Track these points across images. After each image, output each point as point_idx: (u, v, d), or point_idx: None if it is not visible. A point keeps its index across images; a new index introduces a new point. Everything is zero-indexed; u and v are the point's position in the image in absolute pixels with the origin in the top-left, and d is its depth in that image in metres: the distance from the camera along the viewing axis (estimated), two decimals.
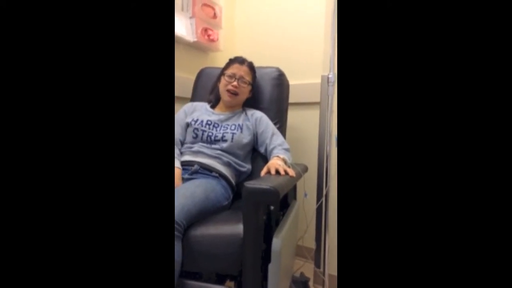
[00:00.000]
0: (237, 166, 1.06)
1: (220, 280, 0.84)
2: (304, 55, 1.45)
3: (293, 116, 1.37)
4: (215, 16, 1.46)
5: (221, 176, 1.01)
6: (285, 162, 0.95)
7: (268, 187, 0.67)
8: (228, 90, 1.10)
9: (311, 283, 1.23)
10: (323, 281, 1.18)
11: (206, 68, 1.36)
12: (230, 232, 0.77)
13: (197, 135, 1.07)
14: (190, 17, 1.38)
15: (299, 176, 0.95)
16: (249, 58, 1.17)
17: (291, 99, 1.31)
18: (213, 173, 1.00)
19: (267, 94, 1.22)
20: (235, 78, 1.10)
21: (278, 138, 1.09)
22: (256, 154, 1.14)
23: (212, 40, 1.45)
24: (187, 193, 0.83)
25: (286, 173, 0.85)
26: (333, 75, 1.15)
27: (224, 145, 1.04)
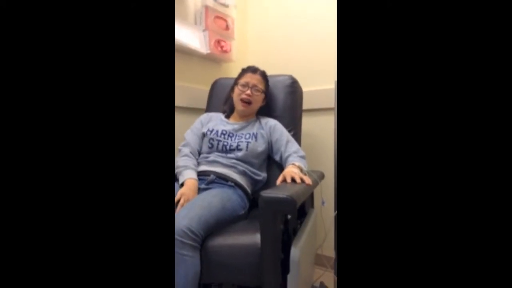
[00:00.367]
0: (252, 175, 1.06)
1: None
2: (317, 61, 1.44)
3: (307, 123, 1.36)
4: (227, 27, 1.49)
5: (237, 185, 1.01)
6: (301, 170, 0.94)
7: (284, 196, 0.66)
8: (241, 99, 1.11)
9: None
10: None
11: (220, 79, 1.38)
12: (248, 242, 0.76)
13: (212, 145, 1.08)
14: (203, 30, 1.41)
15: (315, 183, 0.94)
16: (262, 67, 1.18)
17: (305, 106, 1.31)
18: (229, 183, 1.00)
19: (281, 102, 1.22)
20: (248, 87, 1.11)
21: (293, 145, 1.09)
22: (272, 162, 1.14)
23: (225, 51, 1.48)
24: (204, 204, 0.84)
25: (302, 181, 0.84)
26: None
27: (239, 154, 1.05)
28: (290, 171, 0.89)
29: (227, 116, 1.19)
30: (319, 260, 1.28)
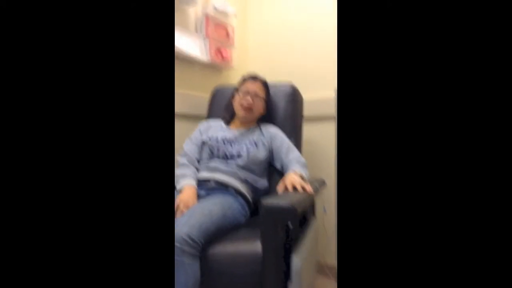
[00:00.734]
0: (253, 183, 1.06)
1: None
2: (317, 69, 1.45)
3: (308, 130, 1.36)
4: (227, 35, 1.50)
5: (238, 193, 1.00)
6: (302, 177, 0.94)
7: (286, 204, 0.66)
8: (242, 106, 1.11)
9: None
10: None
11: (220, 86, 1.39)
12: (249, 250, 0.76)
13: (213, 152, 1.07)
14: (204, 38, 1.42)
15: (317, 191, 0.94)
16: (262, 75, 1.19)
17: (306, 113, 1.31)
18: (230, 190, 1.00)
19: (281, 110, 1.22)
20: (249, 94, 1.11)
21: (294, 153, 1.09)
22: (272, 169, 1.13)
23: (226, 59, 1.49)
24: (204, 211, 0.83)
25: (304, 189, 0.84)
26: None
27: (240, 161, 1.05)
28: (291, 178, 0.89)
29: (228, 123, 1.19)
30: (321, 269, 1.26)
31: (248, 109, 1.11)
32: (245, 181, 1.04)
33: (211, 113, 1.32)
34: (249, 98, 1.11)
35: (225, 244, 0.80)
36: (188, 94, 1.39)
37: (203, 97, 1.40)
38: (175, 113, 1.28)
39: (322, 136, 1.41)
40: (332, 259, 1.24)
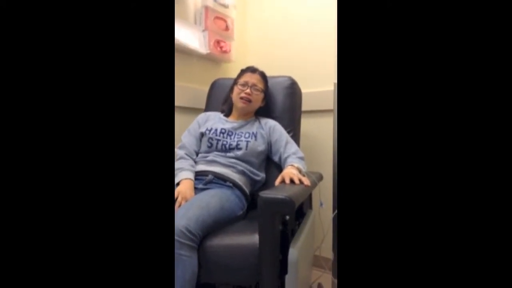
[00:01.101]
0: (251, 175, 1.06)
1: None
2: (316, 63, 1.45)
3: (306, 124, 1.36)
4: (227, 28, 1.49)
5: (236, 186, 1.01)
6: (300, 171, 0.94)
7: (283, 197, 0.66)
8: (241, 98, 1.11)
9: None
10: None
11: (219, 79, 1.38)
12: (246, 243, 0.76)
13: (211, 144, 1.08)
14: (203, 30, 1.41)
15: (314, 185, 0.94)
16: (261, 68, 1.18)
17: (304, 107, 1.31)
18: (228, 183, 1.00)
19: (280, 103, 1.22)
20: (248, 86, 1.11)
21: (292, 146, 1.09)
22: (270, 163, 1.14)
23: (225, 52, 1.48)
24: (202, 204, 0.84)
25: (301, 182, 0.84)
26: None
27: (239, 153, 1.05)
28: (289, 172, 0.89)
29: (226, 115, 1.19)
30: (317, 262, 1.27)
31: (247, 100, 1.11)
32: (243, 173, 1.04)
33: (210, 106, 1.32)
34: (247, 90, 1.11)
35: (223, 236, 0.80)
36: (187, 87, 1.38)
37: (202, 89, 1.39)
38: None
39: (320, 130, 1.41)
40: (328, 252, 1.25)
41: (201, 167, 1.05)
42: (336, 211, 1.18)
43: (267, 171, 1.12)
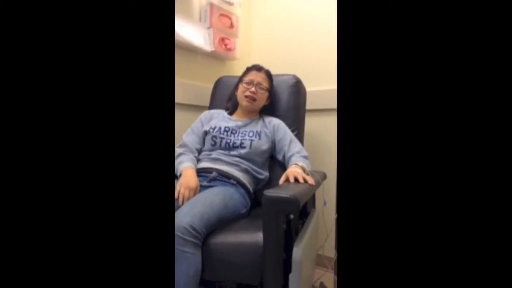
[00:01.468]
0: (255, 173, 1.06)
1: None
2: (321, 62, 1.44)
3: (310, 123, 1.36)
4: (232, 25, 1.48)
5: (239, 183, 1.01)
6: (304, 170, 0.94)
7: (288, 196, 0.66)
8: (246, 96, 1.10)
9: None
10: None
11: (223, 77, 1.37)
12: (250, 241, 0.76)
13: (215, 142, 1.07)
14: (208, 28, 1.41)
15: (318, 184, 0.94)
16: (265, 65, 1.18)
17: (309, 106, 1.30)
18: (231, 181, 1.00)
19: (284, 101, 1.22)
20: (253, 85, 1.11)
21: (296, 145, 1.09)
22: (274, 161, 1.13)
23: (229, 49, 1.47)
24: (206, 202, 0.84)
25: (305, 181, 0.84)
26: None
27: (243, 151, 1.05)
28: (293, 171, 0.89)
29: (230, 113, 1.18)
30: (320, 261, 1.27)
31: (252, 99, 1.10)
32: (246, 172, 1.04)
33: (214, 103, 1.32)
34: (253, 88, 1.10)
35: (226, 234, 0.80)
36: (191, 84, 1.38)
37: (206, 87, 1.39)
38: (178, 103, 1.28)
39: (324, 129, 1.41)
40: (331, 251, 1.25)
41: (205, 164, 1.05)
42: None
43: (271, 170, 1.12)
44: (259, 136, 1.08)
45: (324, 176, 1.12)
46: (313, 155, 1.24)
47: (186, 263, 0.71)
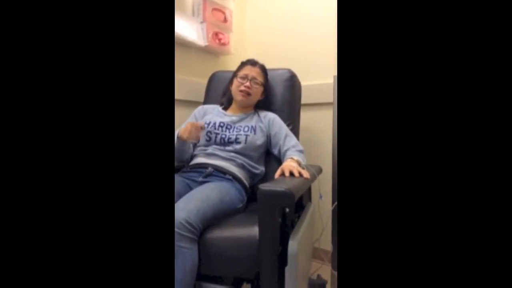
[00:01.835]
0: (251, 168, 1.06)
1: (237, 283, 0.83)
2: (316, 56, 1.43)
3: (305, 117, 1.36)
4: (225, 20, 1.47)
5: (235, 178, 1.01)
6: (299, 164, 0.94)
7: (283, 189, 0.66)
8: (241, 91, 1.10)
9: (328, 286, 1.21)
10: None
11: (218, 71, 1.37)
12: (246, 235, 0.77)
13: (210, 138, 1.07)
14: (201, 22, 1.39)
15: (313, 177, 0.94)
16: (260, 60, 1.17)
17: (304, 100, 1.30)
18: (227, 176, 1.00)
19: (279, 95, 1.22)
20: (248, 79, 1.10)
21: (292, 139, 1.09)
22: (270, 156, 1.13)
23: (223, 44, 1.46)
24: (202, 197, 0.84)
25: (301, 174, 0.84)
26: None
27: (238, 147, 1.04)
28: (289, 165, 0.89)
29: (225, 108, 1.18)
30: (316, 254, 1.28)
31: (246, 94, 1.10)
32: (242, 167, 1.04)
33: (208, 99, 1.31)
34: (247, 83, 1.10)
35: (223, 228, 0.80)
36: (185, 80, 1.37)
37: (200, 82, 1.38)
38: None
39: (320, 123, 1.41)
40: (327, 244, 1.26)
41: (201, 159, 1.05)
42: (335, 204, 1.18)
43: (266, 164, 1.12)
44: (254, 131, 1.08)
45: (319, 170, 1.12)
46: (308, 149, 1.24)
47: (183, 258, 0.71)
